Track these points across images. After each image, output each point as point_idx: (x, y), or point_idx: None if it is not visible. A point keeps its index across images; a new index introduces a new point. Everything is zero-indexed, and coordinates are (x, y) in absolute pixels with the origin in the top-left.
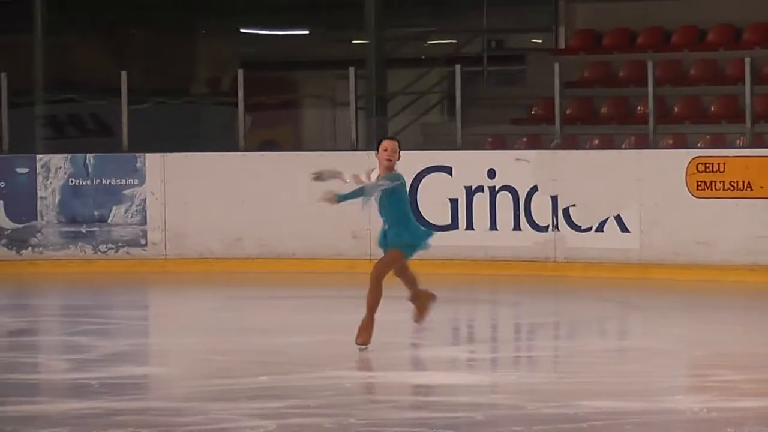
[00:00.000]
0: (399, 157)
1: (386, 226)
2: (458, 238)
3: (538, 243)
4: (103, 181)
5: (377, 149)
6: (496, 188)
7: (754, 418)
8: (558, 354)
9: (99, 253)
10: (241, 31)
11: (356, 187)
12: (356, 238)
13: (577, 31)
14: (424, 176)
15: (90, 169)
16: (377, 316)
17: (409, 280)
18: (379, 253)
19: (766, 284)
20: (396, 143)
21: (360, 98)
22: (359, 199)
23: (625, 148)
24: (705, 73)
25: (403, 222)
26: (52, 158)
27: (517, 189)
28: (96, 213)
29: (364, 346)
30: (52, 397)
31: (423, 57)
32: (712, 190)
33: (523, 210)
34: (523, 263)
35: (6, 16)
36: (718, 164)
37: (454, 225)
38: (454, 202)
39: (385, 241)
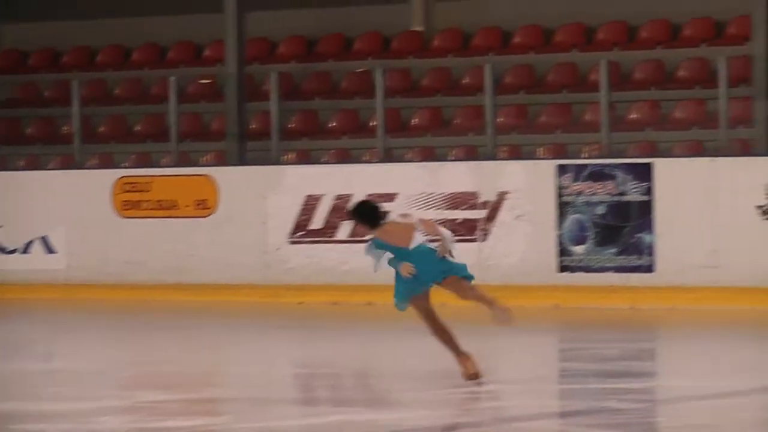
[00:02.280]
0: None
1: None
2: None
3: None
4: None
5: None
6: None
7: None
8: None
9: None
10: None
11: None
12: None
13: (3, 52)
14: None
15: None
16: None
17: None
18: None
19: (194, 303)
20: None
21: None
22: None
23: (52, 169)
24: (130, 92)
25: None
26: None
27: None
28: None
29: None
30: None
31: None
32: (139, 209)
33: None
34: None
35: None
36: (145, 183)
37: None
38: None
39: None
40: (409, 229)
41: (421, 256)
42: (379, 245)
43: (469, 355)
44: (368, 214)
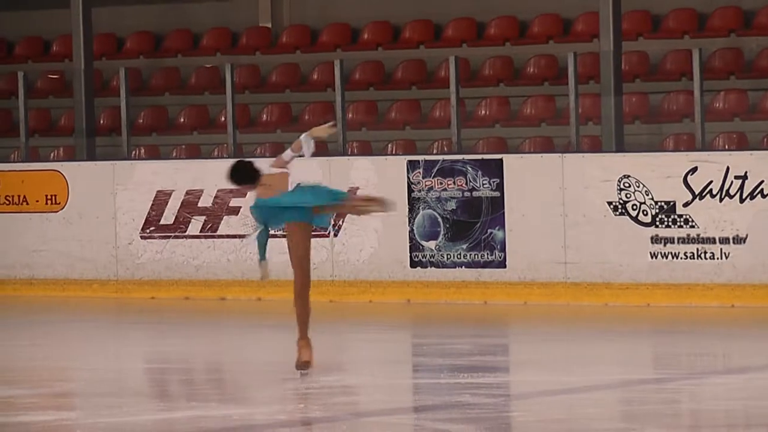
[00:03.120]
0: None
1: None
2: None
3: None
4: None
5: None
6: None
7: None
8: None
9: None
10: None
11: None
12: None
13: None
14: None
15: None
16: None
17: None
18: None
19: (44, 298)
20: None
21: None
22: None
23: None
24: None
25: None
26: None
27: None
28: None
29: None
30: None
31: None
32: None
33: None
34: None
35: None
36: None
37: None
38: None
39: None
40: (284, 175)
41: (302, 191)
42: (261, 207)
43: (309, 342)
44: (246, 172)
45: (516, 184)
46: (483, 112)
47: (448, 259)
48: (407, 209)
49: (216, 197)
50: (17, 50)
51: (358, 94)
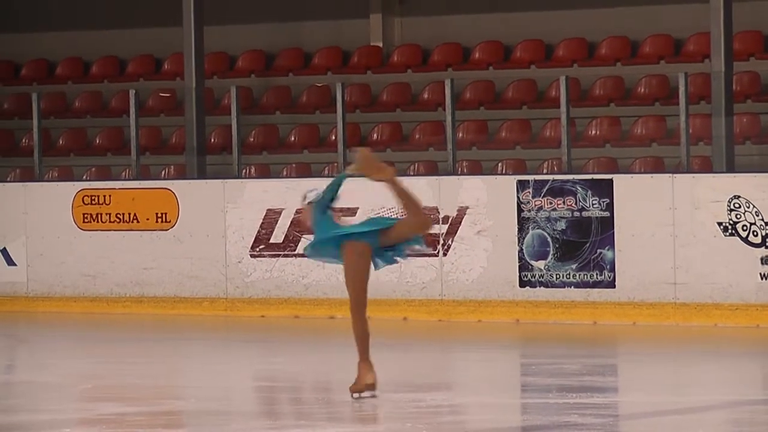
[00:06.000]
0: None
1: None
2: None
3: None
4: None
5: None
6: None
7: None
8: None
9: None
10: None
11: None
12: None
13: None
14: None
15: None
16: None
17: None
18: None
19: (154, 315)
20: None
21: None
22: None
23: (11, 181)
24: (90, 104)
25: None
26: None
27: None
28: None
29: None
30: None
31: None
32: (98, 222)
33: None
34: None
35: None
36: (105, 196)
37: None
38: None
39: None
40: None
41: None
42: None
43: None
44: None
45: (626, 204)
46: (593, 132)
47: (557, 279)
48: (517, 229)
49: None
50: (129, 68)
51: (468, 113)
